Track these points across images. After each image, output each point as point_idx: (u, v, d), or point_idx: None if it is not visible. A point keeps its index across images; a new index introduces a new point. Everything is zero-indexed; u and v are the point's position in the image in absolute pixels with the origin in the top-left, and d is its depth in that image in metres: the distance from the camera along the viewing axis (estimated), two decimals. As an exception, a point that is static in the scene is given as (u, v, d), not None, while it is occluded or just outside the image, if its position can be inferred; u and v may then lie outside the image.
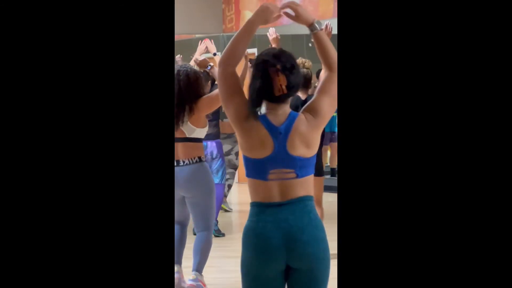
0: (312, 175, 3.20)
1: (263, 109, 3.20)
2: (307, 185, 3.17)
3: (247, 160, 3.17)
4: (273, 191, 3.13)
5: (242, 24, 3.38)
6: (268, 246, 3.10)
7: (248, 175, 3.18)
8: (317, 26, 3.18)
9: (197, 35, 13.01)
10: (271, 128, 3.13)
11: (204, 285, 5.58)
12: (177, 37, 10.04)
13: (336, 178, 11.48)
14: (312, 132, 3.15)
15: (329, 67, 3.21)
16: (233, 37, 3.18)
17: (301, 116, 3.16)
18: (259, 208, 3.14)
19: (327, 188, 10.86)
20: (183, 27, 12.52)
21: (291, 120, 3.15)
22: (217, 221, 8.29)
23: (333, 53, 3.21)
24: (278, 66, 3.10)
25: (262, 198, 3.15)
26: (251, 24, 3.18)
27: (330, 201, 10.27)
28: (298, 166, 3.13)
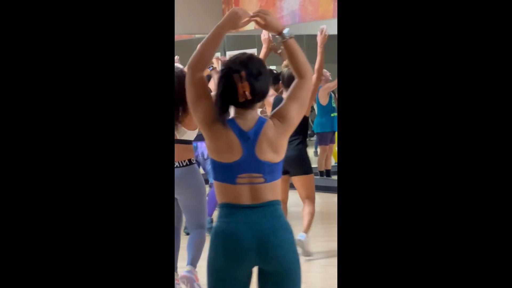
0: (280, 179, 3.23)
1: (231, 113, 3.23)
2: (276, 189, 3.21)
3: (214, 164, 3.21)
4: (243, 195, 3.17)
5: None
6: (238, 247, 3.13)
7: (215, 178, 3.22)
8: (286, 34, 3.22)
9: (197, 35, 13.01)
10: (240, 133, 3.17)
11: (197, 279, 5.64)
12: (177, 37, 10.05)
13: (331, 178, 11.54)
14: (279, 137, 3.20)
15: (299, 74, 3.26)
16: (201, 42, 3.22)
17: (269, 122, 3.20)
18: (230, 209, 3.18)
19: (327, 189, 10.88)
20: (183, 27, 12.51)
21: (259, 125, 3.19)
22: None
23: (303, 60, 3.26)
24: (243, 73, 3.13)
25: (232, 200, 3.18)
26: (220, 29, 3.22)
27: (329, 201, 10.29)
28: (266, 171, 3.17)
